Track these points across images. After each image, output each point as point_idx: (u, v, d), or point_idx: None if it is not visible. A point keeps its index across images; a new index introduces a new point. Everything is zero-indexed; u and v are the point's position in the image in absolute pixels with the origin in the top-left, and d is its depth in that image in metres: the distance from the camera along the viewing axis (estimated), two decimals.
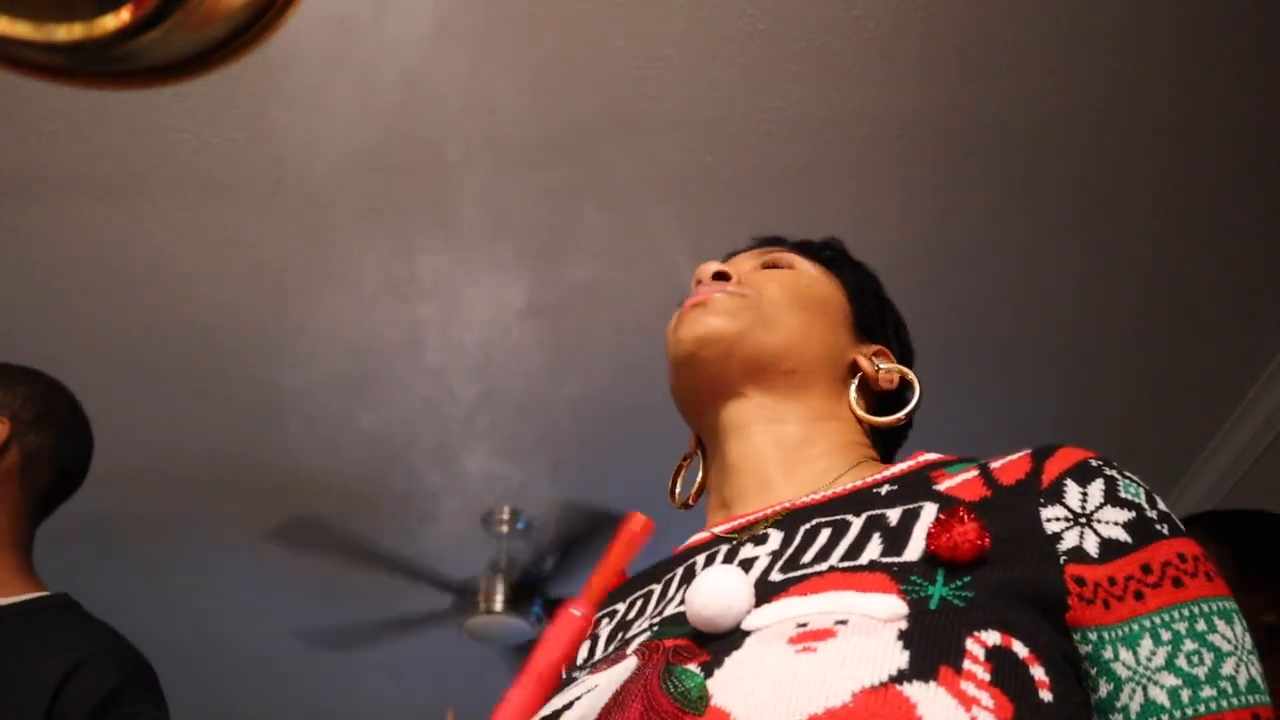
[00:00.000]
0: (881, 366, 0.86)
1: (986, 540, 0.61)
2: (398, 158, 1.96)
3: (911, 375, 0.86)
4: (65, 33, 0.36)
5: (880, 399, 0.86)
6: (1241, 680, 0.59)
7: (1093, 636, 0.61)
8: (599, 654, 0.75)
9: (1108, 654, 0.60)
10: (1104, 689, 0.60)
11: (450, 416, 2.73)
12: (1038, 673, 0.56)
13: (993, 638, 0.56)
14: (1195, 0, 1.63)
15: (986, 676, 0.53)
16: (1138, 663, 0.59)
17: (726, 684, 0.57)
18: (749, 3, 1.66)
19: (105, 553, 3.14)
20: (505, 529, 3.17)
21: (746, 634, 0.60)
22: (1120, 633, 0.60)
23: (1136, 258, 2.14)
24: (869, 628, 0.56)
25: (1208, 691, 0.58)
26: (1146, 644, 0.60)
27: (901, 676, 0.53)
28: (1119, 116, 1.82)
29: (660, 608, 0.73)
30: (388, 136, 1.91)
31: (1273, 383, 2.42)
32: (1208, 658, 0.59)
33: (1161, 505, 0.66)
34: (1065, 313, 2.31)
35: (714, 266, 0.86)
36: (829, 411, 0.83)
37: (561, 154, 1.94)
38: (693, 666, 0.59)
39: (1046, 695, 0.56)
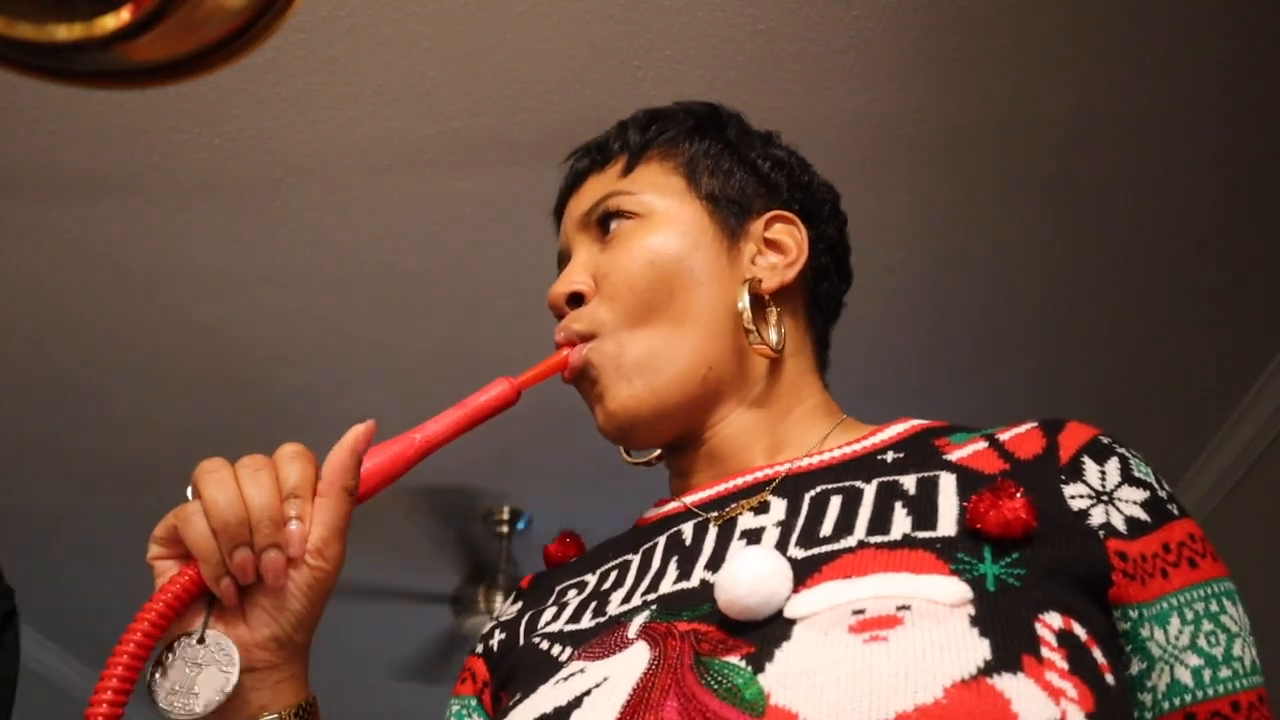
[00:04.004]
0: (772, 261, 0.77)
1: (1035, 518, 0.60)
2: (397, 158, 1.96)
3: (784, 260, 0.77)
4: (65, 32, 0.36)
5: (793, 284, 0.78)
6: (1247, 661, 0.60)
7: (1132, 614, 0.61)
8: (567, 625, 0.69)
9: (1145, 632, 0.60)
10: (1135, 667, 0.61)
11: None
12: (1098, 655, 0.56)
13: (1056, 620, 0.55)
14: None
15: (1065, 665, 0.53)
16: (1167, 641, 0.60)
17: (784, 680, 0.53)
18: (749, 3, 1.66)
19: (105, 549, 3.14)
20: (505, 529, 3.17)
21: (790, 622, 0.56)
22: (1154, 610, 0.60)
23: (1136, 257, 2.14)
24: (937, 614, 0.54)
25: (1225, 671, 0.59)
26: (1175, 622, 0.60)
27: (989, 668, 0.51)
28: (1119, 115, 1.82)
29: (650, 582, 0.68)
30: (388, 136, 1.91)
31: (1273, 383, 2.42)
32: (1222, 638, 0.60)
33: (1167, 485, 0.67)
34: (1064, 312, 2.31)
35: (561, 290, 0.78)
36: (764, 369, 0.76)
37: (561, 154, 1.94)
38: (735, 660, 0.55)
39: (1110, 679, 0.55)
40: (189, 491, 0.60)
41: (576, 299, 0.78)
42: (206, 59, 0.39)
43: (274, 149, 1.93)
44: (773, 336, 0.74)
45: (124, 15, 0.36)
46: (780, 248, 0.78)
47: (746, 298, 0.73)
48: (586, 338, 0.76)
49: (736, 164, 0.81)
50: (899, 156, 1.92)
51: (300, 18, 1.67)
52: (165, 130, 1.88)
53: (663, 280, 0.74)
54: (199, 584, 0.59)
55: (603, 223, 0.79)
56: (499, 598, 3.13)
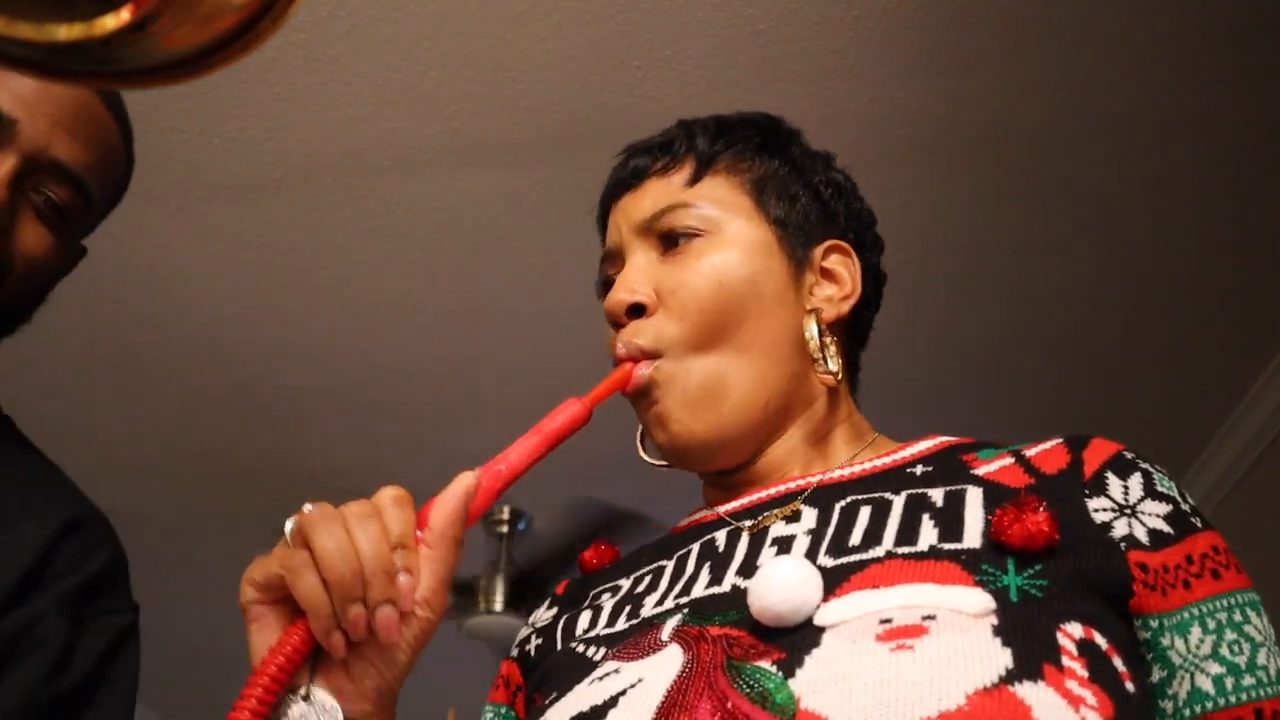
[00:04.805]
0: (828, 293, 0.78)
1: (1057, 531, 0.61)
2: (397, 158, 1.96)
3: (845, 290, 0.78)
4: (65, 32, 0.36)
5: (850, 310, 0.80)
6: (1273, 670, 0.61)
7: (1153, 624, 0.62)
8: (604, 629, 0.71)
9: (1165, 641, 0.62)
10: (1156, 675, 0.62)
11: (450, 416, 2.73)
12: (1118, 664, 0.57)
13: (1077, 630, 0.57)
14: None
15: (1085, 673, 0.54)
16: (1188, 650, 0.61)
17: (815, 685, 0.54)
18: (749, 3, 1.66)
19: None
20: (505, 529, 3.17)
21: (820, 629, 0.58)
22: (1175, 620, 0.62)
23: (1135, 257, 2.14)
24: (961, 624, 0.55)
25: (1248, 680, 0.60)
26: (1196, 632, 0.61)
27: (1011, 676, 0.52)
28: (1118, 117, 1.82)
29: (683, 586, 0.70)
30: (388, 136, 1.91)
31: (1273, 383, 2.42)
32: (1245, 647, 0.61)
33: (1190, 499, 0.68)
34: (1063, 312, 2.31)
35: (624, 298, 0.76)
36: (816, 395, 0.78)
37: (561, 155, 1.94)
38: (767, 665, 0.57)
39: (1130, 687, 0.56)
40: (287, 534, 0.58)
41: (637, 310, 0.76)
42: (206, 59, 0.39)
43: (274, 149, 1.93)
44: (832, 366, 0.74)
45: (124, 15, 0.36)
46: (836, 278, 0.79)
47: (815, 328, 0.74)
48: (650, 354, 0.75)
49: (802, 189, 0.81)
50: (897, 157, 1.92)
51: (300, 18, 1.67)
52: (165, 130, 1.88)
53: (732, 303, 0.74)
54: (311, 642, 0.57)
55: (666, 233, 0.78)
56: (499, 598, 3.14)
